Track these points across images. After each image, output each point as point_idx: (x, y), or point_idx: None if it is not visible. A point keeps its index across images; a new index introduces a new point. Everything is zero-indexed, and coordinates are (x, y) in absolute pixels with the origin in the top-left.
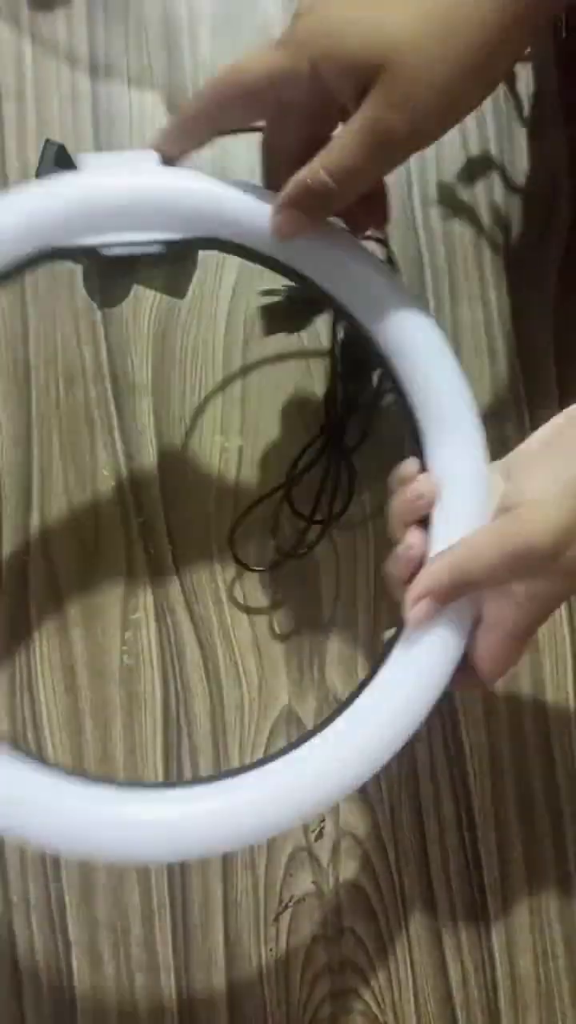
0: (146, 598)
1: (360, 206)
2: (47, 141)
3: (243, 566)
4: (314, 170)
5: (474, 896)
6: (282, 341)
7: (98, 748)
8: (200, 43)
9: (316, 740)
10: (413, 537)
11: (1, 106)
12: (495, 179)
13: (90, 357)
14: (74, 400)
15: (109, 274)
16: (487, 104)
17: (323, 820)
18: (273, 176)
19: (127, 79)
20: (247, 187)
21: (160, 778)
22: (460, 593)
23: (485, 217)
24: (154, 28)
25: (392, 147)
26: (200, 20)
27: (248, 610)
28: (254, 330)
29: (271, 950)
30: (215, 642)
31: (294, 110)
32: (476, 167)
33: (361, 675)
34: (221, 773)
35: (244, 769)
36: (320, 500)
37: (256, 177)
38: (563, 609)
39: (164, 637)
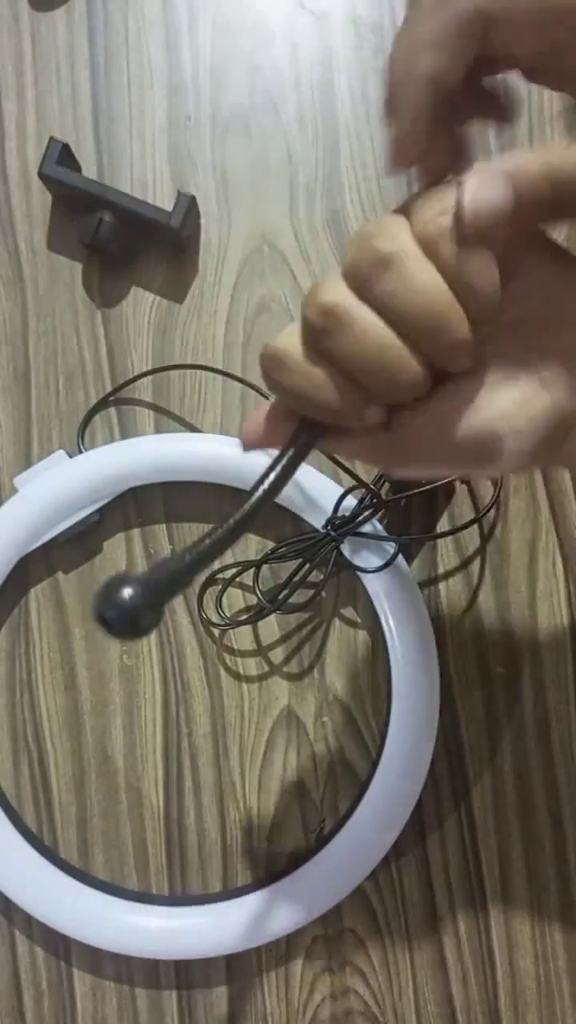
0: None
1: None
2: (52, 139)
3: (211, 624)
4: (568, 149)
5: (474, 896)
6: None
7: (98, 748)
8: (200, 44)
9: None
10: None
11: (1, 105)
12: None
13: (90, 357)
14: (74, 400)
15: (109, 274)
16: None
17: (323, 819)
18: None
19: (127, 79)
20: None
21: (160, 777)
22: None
23: None
24: (154, 28)
25: None
26: (200, 20)
27: (236, 623)
28: (254, 330)
29: (271, 950)
30: (215, 642)
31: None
32: None
33: (360, 676)
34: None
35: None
36: (286, 586)
37: None
38: (563, 608)
39: (164, 637)
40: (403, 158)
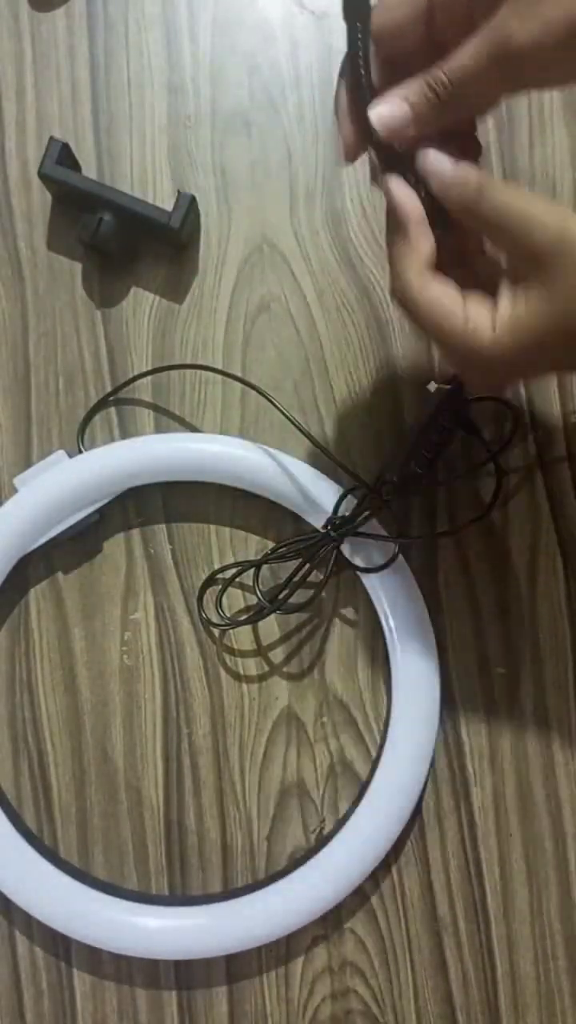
0: (146, 598)
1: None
2: (51, 139)
3: (211, 624)
4: (432, 72)
5: (474, 896)
6: (282, 341)
7: (98, 748)
8: (200, 43)
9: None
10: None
11: (1, 105)
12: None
13: (90, 357)
14: (74, 400)
15: (109, 274)
16: None
17: (323, 820)
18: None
19: (127, 79)
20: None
21: (159, 777)
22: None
23: None
24: (154, 28)
25: (509, 58)
26: (200, 20)
27: (235, 623)
28: (254, 329)
29: (271, 950)
30: (215, 642)
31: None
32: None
33: (360, 676)
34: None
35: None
36: (286, 586)
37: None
38: (563, 608)
39: (164, 637)
40: (349, 149)
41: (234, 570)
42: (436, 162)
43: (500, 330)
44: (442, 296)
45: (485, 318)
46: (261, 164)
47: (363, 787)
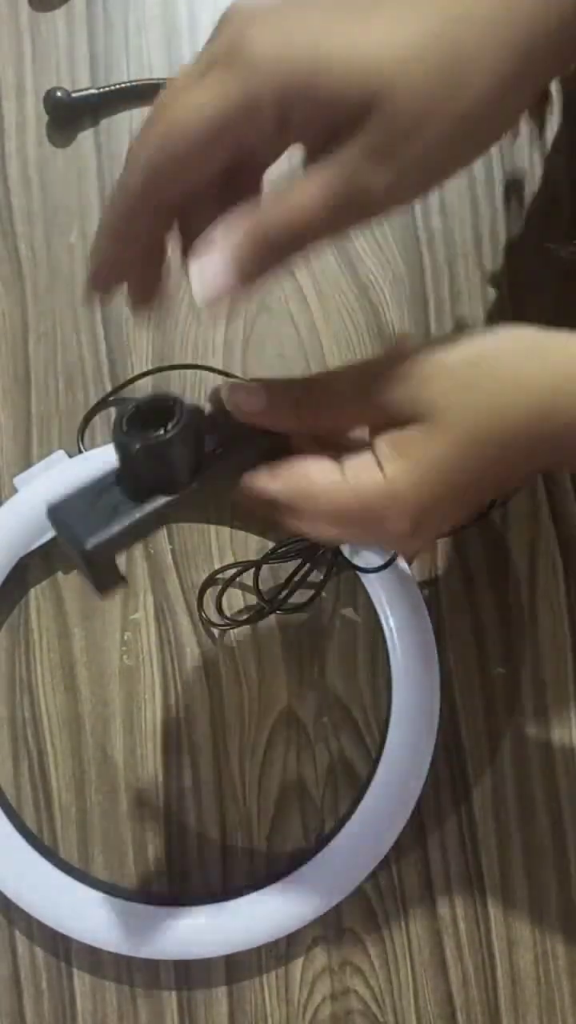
0: (146, 598)
1: None
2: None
3: (211, 624)
4: (271, 220)
5: (474, 896)
6: (282, 341)
7: (98, 748)
8: (200, 44)
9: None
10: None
11: (1, 104)
12: (496, 180)
13: (90, 357)
14: (74, 400)
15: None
16: None
17: (323, 820)
18: (145, 222)
19: (127, 79)
20: None
21: (160, 777)
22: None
23: (485, 217)
24: (154, 28)
25: (364, 206)
26: (200, 21)
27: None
28: (254, 330)
29: (271, 950)
30: (215, 642)
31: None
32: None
33: (360, 676)
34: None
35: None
36: (286, 586)
37: None
38: (563, 608)
39: (164, 637)
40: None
41: (234, 570)
42: (253, 391)
43: (385, 461)
44: (307, 461)
45: (366, 463)
46: None
47: (363, 787)
